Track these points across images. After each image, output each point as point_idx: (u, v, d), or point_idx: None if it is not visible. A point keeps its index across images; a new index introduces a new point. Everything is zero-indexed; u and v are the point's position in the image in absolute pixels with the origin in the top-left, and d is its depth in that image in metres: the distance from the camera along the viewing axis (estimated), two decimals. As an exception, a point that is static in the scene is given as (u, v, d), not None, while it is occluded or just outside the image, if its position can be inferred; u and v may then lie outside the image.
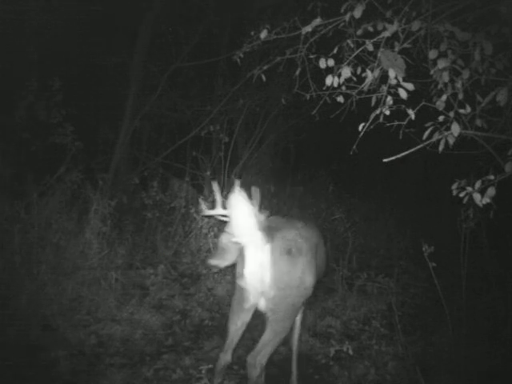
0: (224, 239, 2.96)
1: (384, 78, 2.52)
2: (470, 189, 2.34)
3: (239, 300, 2.76)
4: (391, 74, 2.40)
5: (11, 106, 5.03)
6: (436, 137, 2.35)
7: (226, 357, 2.78)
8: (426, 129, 2.37)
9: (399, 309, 3.89)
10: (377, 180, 8.30)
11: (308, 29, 2.69)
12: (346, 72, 2.58)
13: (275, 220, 3.01)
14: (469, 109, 2.34)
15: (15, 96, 5.03)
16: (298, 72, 3.02)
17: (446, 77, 2.37)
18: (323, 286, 4.68)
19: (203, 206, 3.27)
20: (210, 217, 3.66)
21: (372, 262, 5.80)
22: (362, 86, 2.61)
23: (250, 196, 2.75)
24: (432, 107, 2.44)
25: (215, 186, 3.06)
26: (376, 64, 2.52)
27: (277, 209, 6.28)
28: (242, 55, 3.25)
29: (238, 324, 2.77)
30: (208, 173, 5.71)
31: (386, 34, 2.46)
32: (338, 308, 4.32)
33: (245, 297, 2.72)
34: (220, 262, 2.99)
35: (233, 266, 2.95)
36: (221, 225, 4.17)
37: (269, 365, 3.37)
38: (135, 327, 3.77)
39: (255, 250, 2.66)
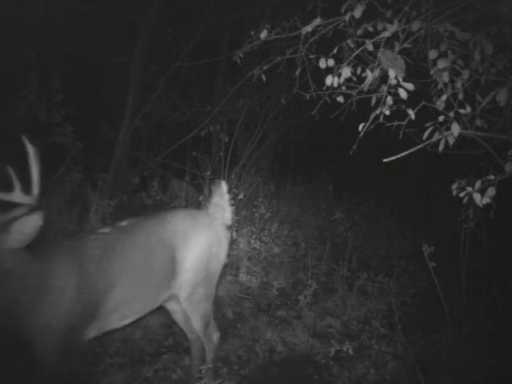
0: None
1: (384, 77, 2.53)
2: (470, 189, 2.34)
3: None
4: (391, 74, 2.40)
5: (11, 106, 5.03)
6: (436, 137, 2.35)
7: None
8: (426, 129, 2.37)
9: (399, 309, 3.88)
10: (377, 180, 8.30)
11: (308, 29, 2.69)
12: (346, 72, 2.58)
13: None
14: (469, 109, 2.34)
15: (15, 96, 5.03)
16: (297, 72, 3.02)
17: (445, 77, 2.37)
18: (323, 286, 4.69)
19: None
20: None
21: (372, 261, 5.80)
22: (362, 85, 2.61)
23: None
24: (432, 107, 2.44)
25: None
26: (376, 64, 2.52)
27: (277, 209, 6.28)
28: (241, 55, 3.25)
29: None
30: (208, 173, 5.70)
31: (386, 33, 2.46)
32: (338, 308, 4.32)
33: None
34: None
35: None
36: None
37: (269, 365, 3.39)
38: (135, 327, 3.76)
39: None
